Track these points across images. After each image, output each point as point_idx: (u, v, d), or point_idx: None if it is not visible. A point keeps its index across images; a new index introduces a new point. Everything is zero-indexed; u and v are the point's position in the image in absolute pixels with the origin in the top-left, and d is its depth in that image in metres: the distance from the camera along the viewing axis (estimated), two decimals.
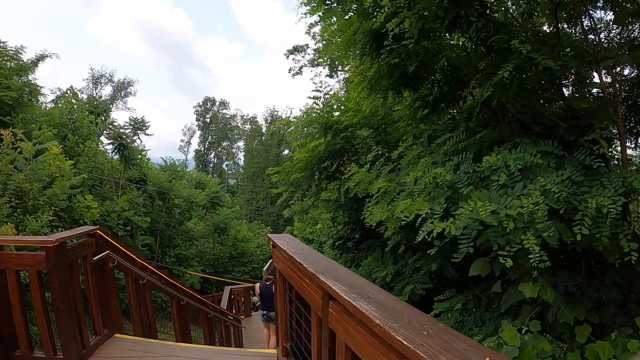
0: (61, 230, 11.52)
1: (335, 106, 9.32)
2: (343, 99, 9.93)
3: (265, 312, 9.53)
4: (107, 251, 5.65)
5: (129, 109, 60.35)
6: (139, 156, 22.40)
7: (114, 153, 19.45)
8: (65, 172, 12.41)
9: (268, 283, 9.19)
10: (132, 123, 20.79)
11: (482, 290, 6.81)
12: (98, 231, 5.65)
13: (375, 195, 5.32)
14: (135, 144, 22.22)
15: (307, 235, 24.63)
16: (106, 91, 63.13)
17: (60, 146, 13.30)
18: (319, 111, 9.03)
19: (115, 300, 6.19)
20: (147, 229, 20.66)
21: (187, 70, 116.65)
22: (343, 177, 7.34)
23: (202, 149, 79.00)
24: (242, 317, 14.05)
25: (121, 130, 19.02)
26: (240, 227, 30.86)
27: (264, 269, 9.32)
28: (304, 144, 9.45)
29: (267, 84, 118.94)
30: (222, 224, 27.46)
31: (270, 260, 9.53)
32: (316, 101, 9.94)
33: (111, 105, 60.40)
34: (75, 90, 16.77)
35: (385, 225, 6.13)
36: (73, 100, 16.47)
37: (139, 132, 20.84)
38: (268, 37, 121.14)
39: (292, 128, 9.60)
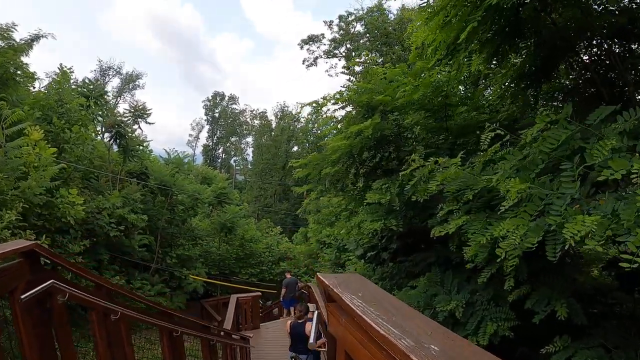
0: (30, 235, 9.52)
1: (380, 78, 7.19)
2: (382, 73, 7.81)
3: (294, 354, 7.55)
4: (52, 280, 3.59)
5: (136, 101, 58.76)
6: (140, 147, 20.38)
7: (110, 142, 17.49)
8: (45, 161, 10.44)
9: (300, 321, 7.28)
10: (132, 110, 18.73)
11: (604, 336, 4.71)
12: (36, 249, 3.60)
13: (507, 204, 3.17)
14: (136, 133, 20.19)
15: (322, 238, 22.54)
16: (114, 83, 62.39)
17: (42, 131, 11.31)
18: (358, 88, 6.90)
19: (70, 352, 4.16)
20: (146, 227, 18.68)
21: (197, 65, 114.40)
22: (401, 174, 5.24)
23: (211, 144, 77.39)
24: (250, 335, 12.01)
25: (118, 118, 16.95)
26: (249, 226, 28.79)
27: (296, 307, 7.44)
28: (337, 128, 7.38)
29: (277, 81, 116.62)
30: (229, 222, 25.35)
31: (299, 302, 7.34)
32: (352, 77, 7.83)
33: (118, 98, 59.39)
34: (65, 68, 14.73)
35: (481, 251, 4.05)
36: (62, 80, 14.45)
37: (139, 120, 18.79)
38: (278, 34, 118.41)
39: (329, 105, 7.44)
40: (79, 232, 13.15)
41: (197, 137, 78.83)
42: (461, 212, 4.79)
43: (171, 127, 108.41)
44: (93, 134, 14.02)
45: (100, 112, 17.97)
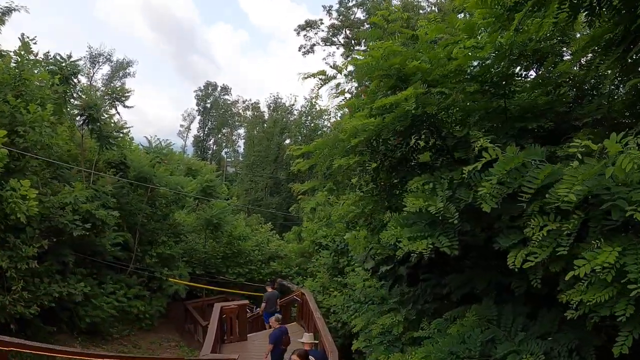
0: None
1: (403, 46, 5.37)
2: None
3: None
4: None
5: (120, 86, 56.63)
6: (120, 134, 18.23)
7: (83, 127, 15.44)
8: None
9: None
10: (110, 92, 16.61)
11: None
12: None
13: None
14: (115, 119, 18.03)
15: (318, 239, 20.56)
16: (104, 71, 59.97)
17: None
18: (385, 49, 5.04)
19: None
20: (123, 223, 16.66)
21: (191, 56, 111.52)
22: (466, 169, 3.42)
23: (202, 135, 75.27)
24: (236, 357, 10.21)
25: (92, 100, 14.79)
26: (237, 223, 26.71)
27: None
28: (354, 103, 5.54)
29: (275, 78, 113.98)
30: (216, 218, 23.20)
31: None
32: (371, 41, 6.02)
33: (108, 86, 56.76)
34: (27, 39, 12.48)
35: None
36: (23, 52, 12.21)
37: (117, 103, 16.69)
38: (274, 27, 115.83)
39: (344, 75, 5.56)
40: (37, 231, 11.15)
41: (188, 128, 76.60)
42: (565, 230, 3.02)
43: (164, 119, 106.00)
44: (51, 116, 11.76)
45: (73, 93, 15.85)
